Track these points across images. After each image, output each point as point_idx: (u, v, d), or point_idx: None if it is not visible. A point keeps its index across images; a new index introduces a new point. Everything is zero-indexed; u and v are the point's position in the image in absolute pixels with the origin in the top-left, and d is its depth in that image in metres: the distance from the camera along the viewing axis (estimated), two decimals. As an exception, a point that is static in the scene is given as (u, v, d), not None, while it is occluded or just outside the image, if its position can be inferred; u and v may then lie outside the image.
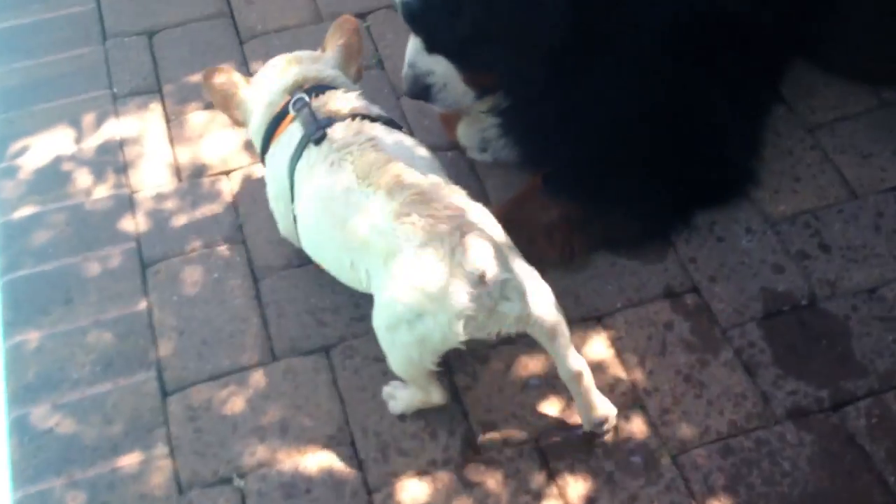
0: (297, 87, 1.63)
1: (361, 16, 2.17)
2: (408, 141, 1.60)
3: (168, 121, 2.01)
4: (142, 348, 1.64)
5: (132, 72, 2.09)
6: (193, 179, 1.90)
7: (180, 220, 1.84)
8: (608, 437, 1.50)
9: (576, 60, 1.63)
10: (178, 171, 1.92)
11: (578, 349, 1.49)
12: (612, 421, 1.52)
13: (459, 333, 1.37)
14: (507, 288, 1.36)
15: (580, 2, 1.57)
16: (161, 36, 2.17)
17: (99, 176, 1.91)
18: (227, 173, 1.91)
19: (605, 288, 1.67)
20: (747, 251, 1.70)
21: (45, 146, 1.97)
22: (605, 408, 1.51)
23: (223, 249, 1.78)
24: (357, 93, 1.63)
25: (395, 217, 1.39)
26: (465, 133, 1.87)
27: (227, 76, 1.69)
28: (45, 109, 2.03)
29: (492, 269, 1.33)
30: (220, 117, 1.91)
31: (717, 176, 1.77)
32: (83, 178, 1.91)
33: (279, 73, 1.67)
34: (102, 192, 1.88)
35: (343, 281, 1.57)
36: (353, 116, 1.56)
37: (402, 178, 1.43)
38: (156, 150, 1.95)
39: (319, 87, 1.63)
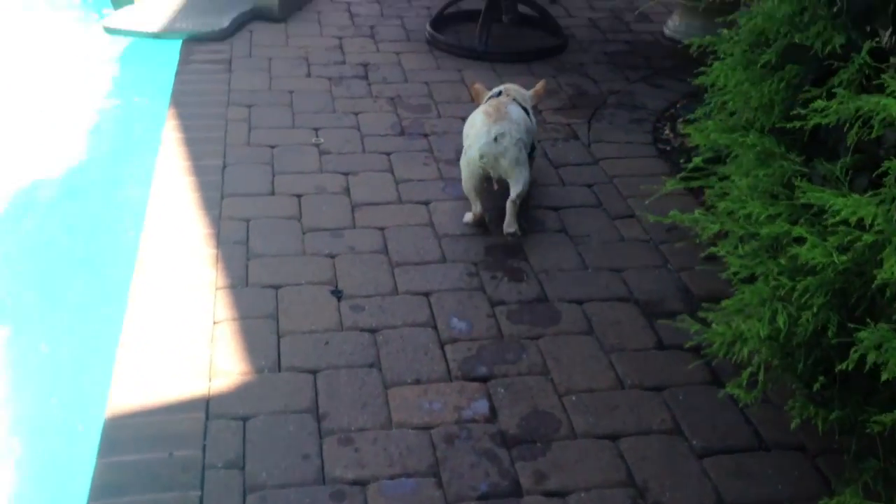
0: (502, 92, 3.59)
1: None
2: (524, 116, 3.46)
3: None
4: None
5: None
6: None
7: None
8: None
9: None
10: None
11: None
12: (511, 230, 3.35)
13: (477, 161, 3.27)
14: (507, 153, 3.25)
15: None
16: None
17: None
18: None
19: None
20: None
21: None
22: (509, 223, 3.34)
23: None
24: (514, 97, 3.54)
25: (483, 111, 3.41)
26: None
27: (482, 85, 3.70)
28: None
29: (502, 137, 3.24)
30: None
31: None
32: None
33: (499, 86, 3.66)
34: None
35: (462, 166, 3.39)
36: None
37: (497, 104, 3.41)
38: None
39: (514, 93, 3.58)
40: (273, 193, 3.63)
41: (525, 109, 3.50)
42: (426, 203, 3.60)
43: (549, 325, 2.95)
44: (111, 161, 4.25)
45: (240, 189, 3.64)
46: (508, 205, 3.32)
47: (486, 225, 3.41)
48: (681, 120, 4.29)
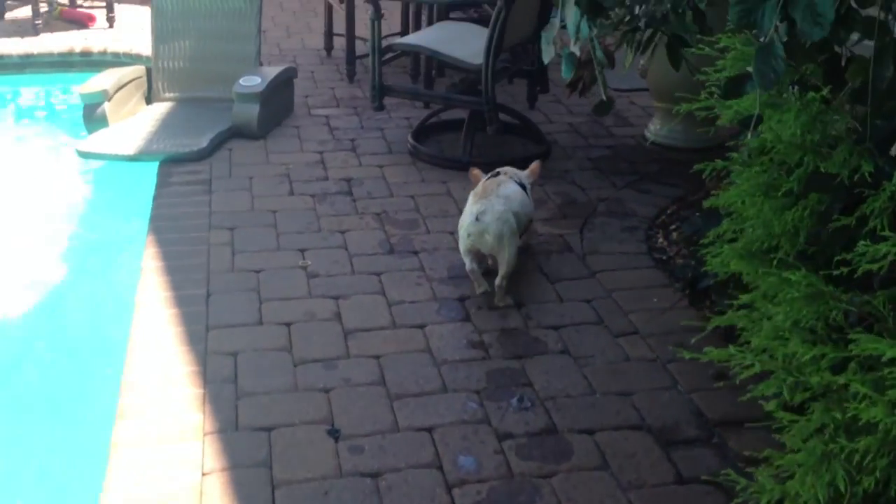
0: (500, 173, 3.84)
1: None
2: (519, 192, 3.72)
3: None
4: None
5: None
6: None
7: None
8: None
9: None
10: None
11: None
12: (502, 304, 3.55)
13: (465, 239, 3.50)
14: (489, 229, 3.44)
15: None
16: None
17: None
18: None
19: None
20: None
21: None
22: (499, 298, 3.55)
23: None
24: (511, 176, 3.80)
25: (473, 192, 3.69)
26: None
27: (479, 171, 3.87)
28: None
29: (483, 215, 3.46)
30: None
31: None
32: None
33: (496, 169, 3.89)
34: None
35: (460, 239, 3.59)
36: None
37: (486, 184, 3.67)
38: None
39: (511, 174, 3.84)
40: (261, 323, 3.47)
41: (522, 186, 3.76)
42: (421, 327, 3.45)
43: (560, 460, 2.78)
44: (88, 294, 4.08)
45: (225, 320, 3.47)
46: (497, 283, 3.53)
47: (489, 280, 3.62)
48: (673, 228, 4.21)
